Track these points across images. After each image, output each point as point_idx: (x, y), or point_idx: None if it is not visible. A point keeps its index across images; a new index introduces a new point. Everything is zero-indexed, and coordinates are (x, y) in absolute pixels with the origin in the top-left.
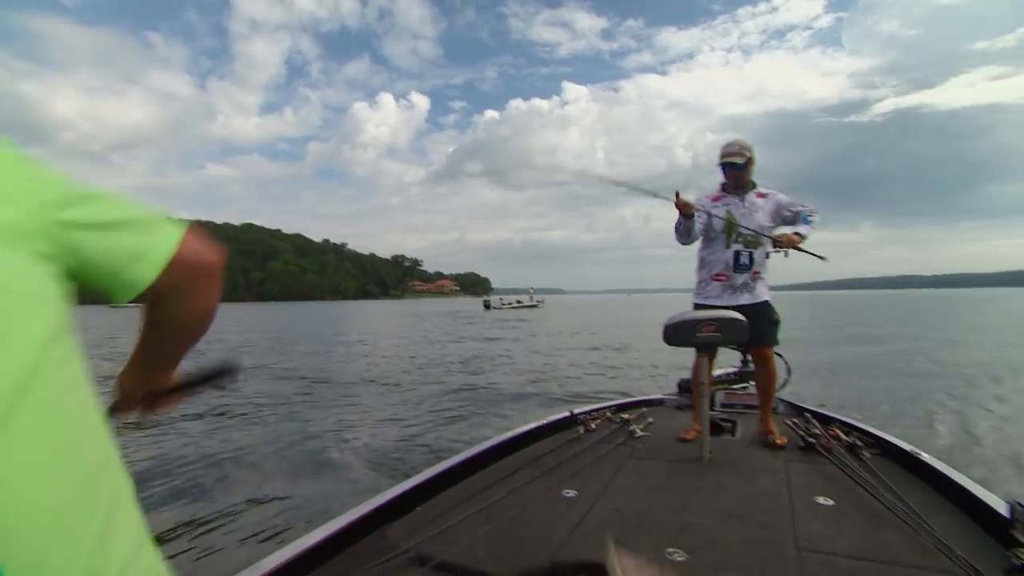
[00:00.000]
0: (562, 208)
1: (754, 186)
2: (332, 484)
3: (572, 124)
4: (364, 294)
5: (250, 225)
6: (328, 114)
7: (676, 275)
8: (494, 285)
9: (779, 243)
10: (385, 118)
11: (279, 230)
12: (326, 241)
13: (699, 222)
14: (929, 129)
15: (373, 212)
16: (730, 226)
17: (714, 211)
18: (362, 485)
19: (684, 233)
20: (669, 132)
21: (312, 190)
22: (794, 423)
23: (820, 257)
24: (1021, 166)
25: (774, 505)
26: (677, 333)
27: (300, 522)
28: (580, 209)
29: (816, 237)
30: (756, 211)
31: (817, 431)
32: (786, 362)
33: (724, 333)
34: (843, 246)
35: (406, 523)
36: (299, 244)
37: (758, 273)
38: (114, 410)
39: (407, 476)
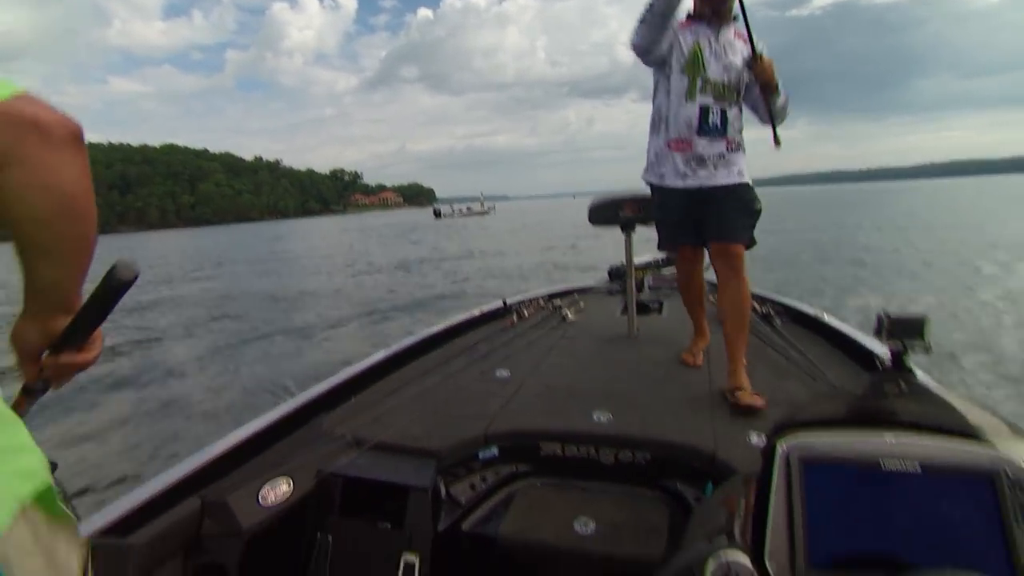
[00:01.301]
0: (504, 112)
1: (735, 19)
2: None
3: (511, 22)
4: (305, 212)
5: (171, 146)
6: (244, 17)
7: (620, 176)
8: (439, 195)
9: (755, 71)
10: (309, 20)
11: (205, 150)
12: (258, 159)
13: (666, 40)
14: (867, 23)
15: (306, 125)
16: (695, 64)
17: (683, 40)
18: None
19: (659, 13)
20: (611, 29)
21: (236, 104)
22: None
23: (776, 140)
24: (948, 60)
25: (695, 374)
26: (600, 212)
27: (233, 416)
28: (523, 113)
29: (754, 135)
30: (733, 54)
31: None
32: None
33: (648, 212)
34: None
35: (340, 412)
36: (229, 163)
37: (734, 141)
38: (27, 390)
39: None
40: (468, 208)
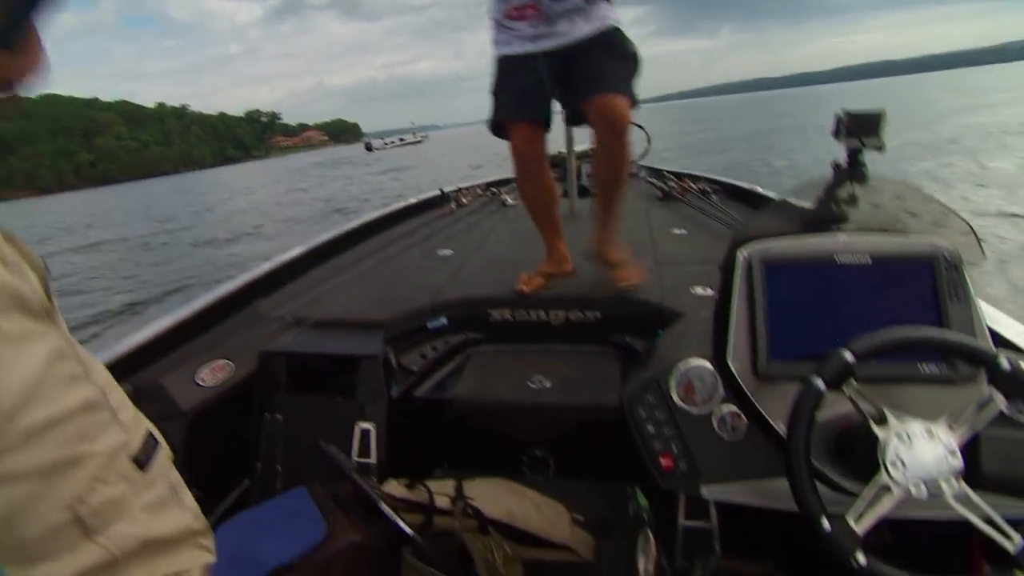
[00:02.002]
0: (425, 36)
1: None
2: None
3: None
4: (224, 159)
5: (52, 96)
6: None
7: None
8: (365, 129)
9: None
10: None
11: (95, 99)
12: (161, 105)
13: None
14: None
15: (210, 65)
16: None
17: None
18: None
19: None
20: None
21: (123, 44)
22: (652, 181)
23: (639, 127)
24: None
25: (636, 237)
26: None
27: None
28: (445, 36)
29: (680, 46)
30: None
31: (673, 184)
32: (645, 130)
33: None
34: (704, 54)
35: (279, 296)
36: (128, 113)
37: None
38: None
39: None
40: (401, 139)
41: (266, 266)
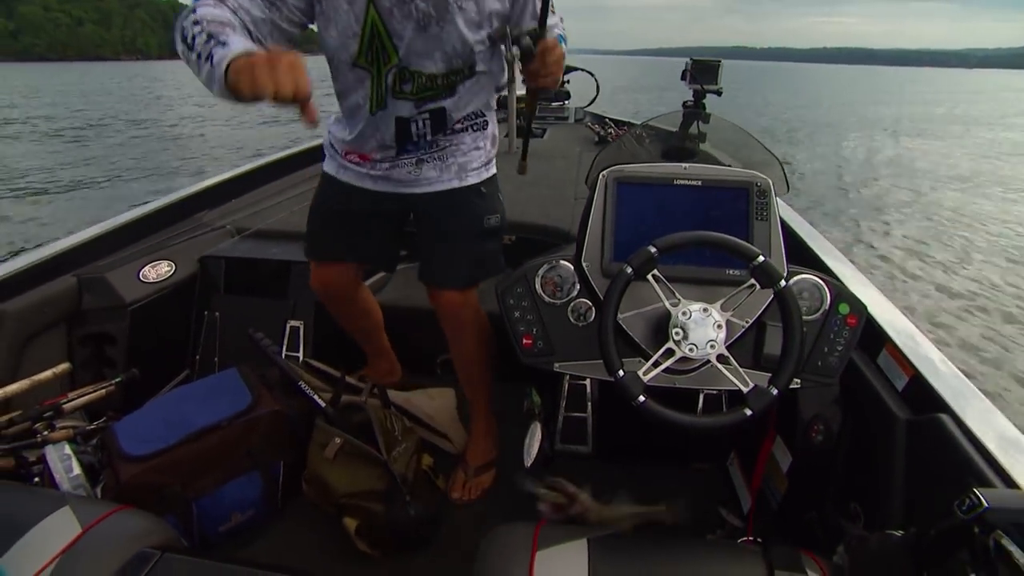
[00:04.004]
0: None
1: None
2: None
3: None
4: (173, 53)
5: None
6: None
7: None
8: None
9: (532, 76)
10: None
11: None
12: None
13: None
14: None
15: None
16: (378, 49)
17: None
18: None
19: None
20: None
21: None
22: (591, 126)
23: (591, 74)
24: None
25: (563, 176)
26: None
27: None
28: None
29: (662, 1)
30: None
31: (612, 129)
32: (595, 78)
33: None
34: (685, 11)
35: (221, 210)
36: None
37: (461, 142)
38: None
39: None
40: None
41: (212, 179)
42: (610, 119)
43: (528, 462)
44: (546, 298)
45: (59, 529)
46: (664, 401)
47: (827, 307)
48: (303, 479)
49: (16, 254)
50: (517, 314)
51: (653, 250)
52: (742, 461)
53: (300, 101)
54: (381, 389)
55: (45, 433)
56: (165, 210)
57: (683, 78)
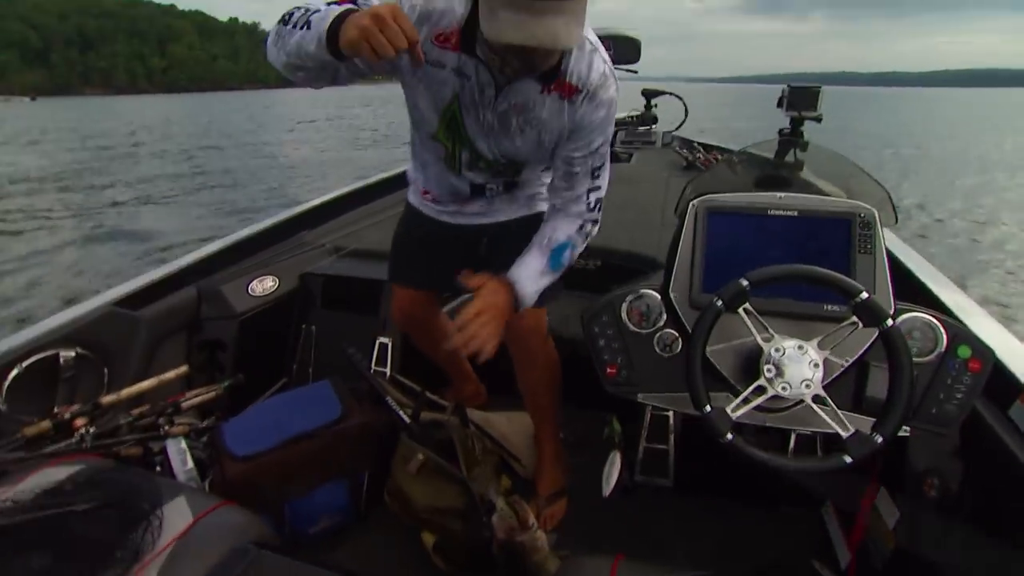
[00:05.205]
0: None
1: (558, 73)
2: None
3: None
4: (287, 82)
5: (135, 0)
6: None
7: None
8: None
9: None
10: None
11: (172, 6)
12: (234, 20)
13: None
14: None
15: None
16: (455, 132)
17: (432, 76)
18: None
19: (311, 68)
20: None
21: None
22: (679, 151)
23: (679, 97)
24: None
25: (650, 201)
26: None
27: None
28: None
29: (765, 27)
30: (529, 116)
31: (700, 154)
32: (683, 101)
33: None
34: (787, 38)
35: (322, 229)
36: (201, 23)
37: (530, 182)
38: None
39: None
40: None
41: (313, 201)
42: (699, 144)
43: (607, 491)
44: (632, 327)
45: (177, 516)
46: (753, 439)
47: (943, 349)
48: (386, 491)
49: (147, 268)
50: (602, 342)
51: (745, 283)
52: (839, 510)
53: (411, 48)
54: (460, 408)
55: (167, 428)
56: (272, 229)
57: (779, 105)
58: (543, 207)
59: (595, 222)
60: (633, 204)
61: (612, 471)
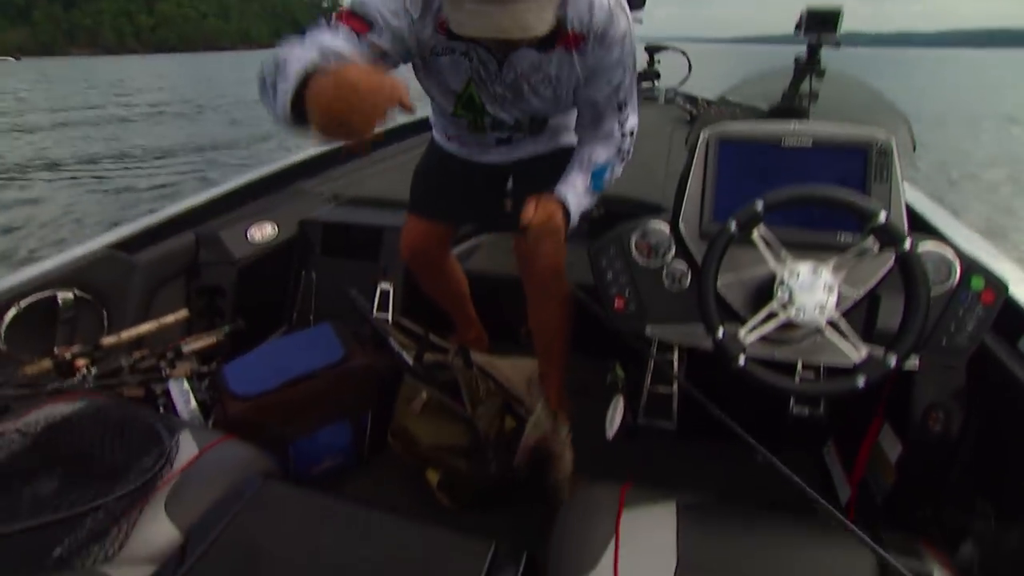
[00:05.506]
0: None
1: (561, 28)
2: None
3: None
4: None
5: None
6: None
7: None
8: None
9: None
10: None
11: None
12: None
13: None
14: None
15: None
16: (473, 107)
17: (443, 64)
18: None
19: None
20: None
21: None
22: (683, 105)
23: (683, 52)
24: None
25: (653, 152)
26: None
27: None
28: None
29: None
30: (540, 77)
31: (704, 108)
32: (687, 57)
33: None
34: None
35: (321, 178)
36: None
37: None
38: None
39: None
40: None
41: (312, 151)
42: (703, 99)
43: (610, 434)
44: (640, 261)
45: (184, 449)
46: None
47: (956, 280)
48: (389, 432)
49: (143, 213)
50: (610, 276)
51: (760, 205)
52: (840, 449)
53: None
54: (464, 350)
55: (168, 371)
56: (269, 178)
57: (797, 29)
58: (566, 142)
59: (630, 148)
60: (636, 155)
61: (615, 415)
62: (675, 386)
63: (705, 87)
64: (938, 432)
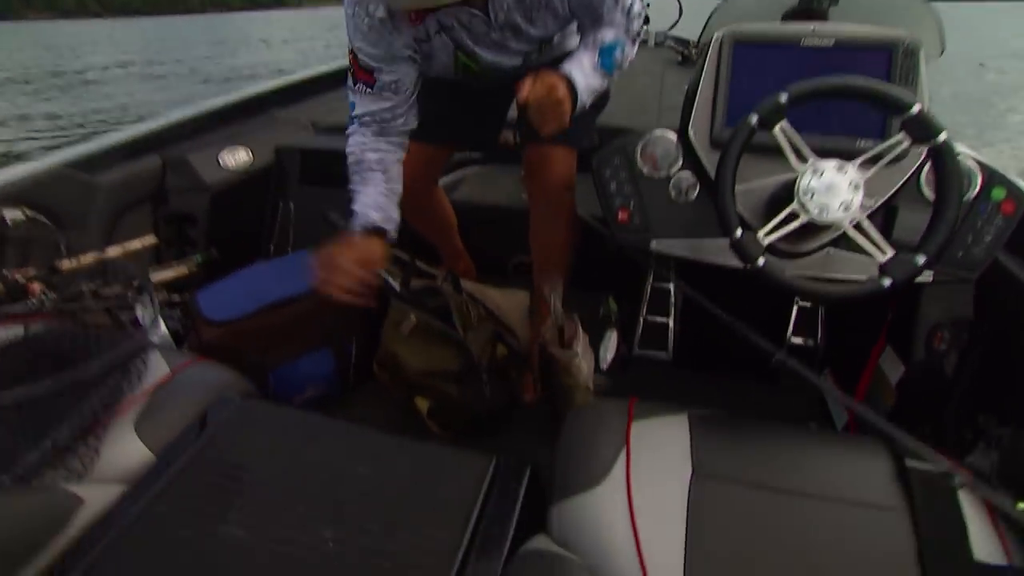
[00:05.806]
0: None
1: None
2: None
3: None
4: (253, 4)
5: None
6: None
7: None
8: None
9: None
10: None
11: None
12: None
13: None
14: None
15: None
16: (472, 69)
17: (427, 52)
18: None
19: None
20: None
21: None
22: (674, 47)
23: None
24: None
25: (646, 90)
26: None
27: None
28: None
29: None
30: (528, 14)
31: (695, 49)
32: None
33: None
34: None
35: (299, 106)
36: None
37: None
38: None
39: None
40: None
41: (292, 78)
42: (694, 42)
43: (604, 365)
44: (645, 171)
45: (153, 368)
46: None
47: (976, 191)
48: (375, 361)
49: (105, 132)
50: (613, 187)
51: (785, 97)
52: (838, 377)
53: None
54: (454, 276)
55: (136, 296)
56: (242, 103)
57: None
58: (575, 43)
59: (640, 30)
60: (630, 89)
61: (609, 346)
62: (671, 317)
63: (696, 32)
64: (942, 351)
